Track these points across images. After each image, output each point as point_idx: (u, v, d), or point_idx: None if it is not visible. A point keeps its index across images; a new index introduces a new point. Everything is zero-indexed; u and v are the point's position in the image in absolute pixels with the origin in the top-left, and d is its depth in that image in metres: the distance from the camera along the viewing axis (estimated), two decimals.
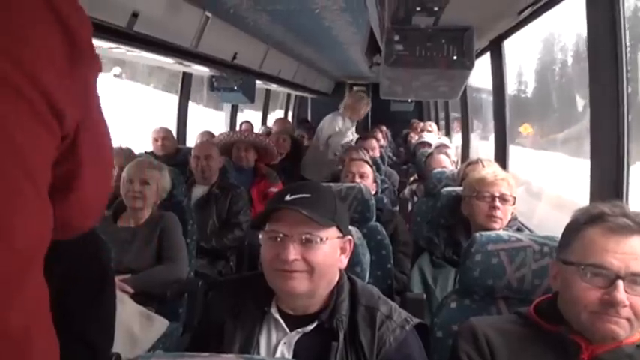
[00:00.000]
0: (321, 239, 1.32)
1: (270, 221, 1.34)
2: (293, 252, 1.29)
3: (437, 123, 8.33)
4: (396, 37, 2.10)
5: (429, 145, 5.29)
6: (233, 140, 4.27)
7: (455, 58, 2.10)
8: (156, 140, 4.76)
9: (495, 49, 3.48)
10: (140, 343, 2.30)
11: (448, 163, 3.96)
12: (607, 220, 1.22)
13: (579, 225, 1.26)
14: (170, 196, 2.91)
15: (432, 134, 6.65)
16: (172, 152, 4.77)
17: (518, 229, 2.43)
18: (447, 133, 7.36)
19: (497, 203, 2.22)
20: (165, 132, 4.83)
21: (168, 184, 2.83)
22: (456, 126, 7.40)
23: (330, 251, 1.34)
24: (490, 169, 2.43)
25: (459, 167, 3.58)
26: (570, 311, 1.25)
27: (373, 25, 2.66)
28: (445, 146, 4.49)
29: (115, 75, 10.56)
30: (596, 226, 1.23)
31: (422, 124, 8.06)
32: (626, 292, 1.16)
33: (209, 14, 3.70)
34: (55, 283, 1.58)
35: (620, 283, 1.17)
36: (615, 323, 1.18)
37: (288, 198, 1.32)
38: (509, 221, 2.29)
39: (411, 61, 2.11)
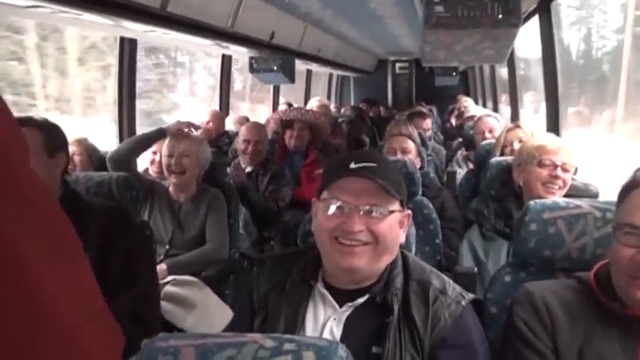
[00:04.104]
0: (388, 211, 1.23)
1: (331, 189, 1.25)
2: (359, 223, 1.21)
3: (483, 97, 8.04)
4: None
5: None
6: (291, 118, 4.20)
7: (500, 16, 1.96)
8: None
9: (544, 10, 3.27)
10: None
11: (497, 125, 3.75)
12: None
13: (628, 186, 1.16)
14: (213, 178, 2.89)
15: (477, 107, 6.42)
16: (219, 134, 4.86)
17: None
18: (495, 109, 7.08)
19: (559, 172, 2.09)
20: (213, 115, 4.96)
21: (208, 155, 2.80)
22: (504, 100, 7.11)
23: (394, 224, 1.26)
24: (549, 136, 2.29)
25: None
26: (613, 278, 1.15)
27: None
28: (492, 114, 4.30)
29: None
30: None
31: (463, 98, 7.79)
32: None
33: None
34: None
35: None
36: None
37: (353, 165, 1.23)
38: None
39: (452, 23, 1.98)
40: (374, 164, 1.23)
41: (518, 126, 2.88)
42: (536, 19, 3.47)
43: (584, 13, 5.15)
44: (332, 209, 1.23)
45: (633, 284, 1.09)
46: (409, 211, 1.34)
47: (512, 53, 4.76)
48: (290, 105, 7.08)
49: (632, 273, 1.09)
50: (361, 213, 1.22)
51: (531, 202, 1.52)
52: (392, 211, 1.24)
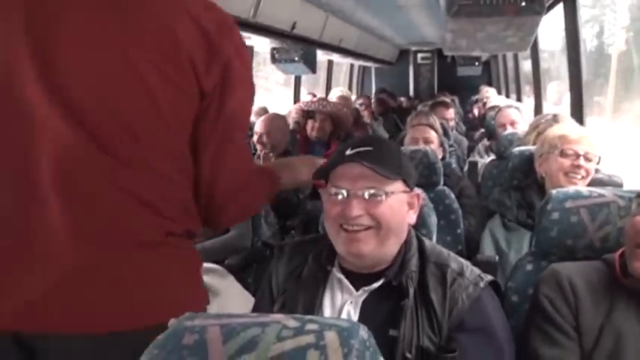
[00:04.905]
0: (387, 193, 1.24)
1: (331, 178, 1.28)
2: (357, 208, 1.22)
3: (507, 88, 7.94)
4: None
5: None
6: (312, 109, 4.20)
7: (523, 4, 1.93)
8: None
9: None
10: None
11: (519, 117, 3.70)
12: None
13: None
14: None
15: (500, 97, 6.34)
16: None
17: None
18: (519, 99, 6.98)
19: (582, 161, 2.06)
20: None
21: None
22: (527, 91, 7.01)
23: (397, 205, 1.26)
24: (571, 125, 2.26)
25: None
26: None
27: None
28: (513, 105, 4.24)
29: None
30: None
31: (485, 88, 7.70)
32: None
33: None
34: None
35: None
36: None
37: (349, 152, 1.25)
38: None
39: (475, 11, 1.97)
40: (369, 148, 1.25)
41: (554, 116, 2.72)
42: (560, 8, 3.42)
43: (597, 12, 5.45)
44: (333, 197, 1.26)
45: (634, 254, 1.09)
46: (418, 191, 1.34)
47: (536, 43, 4.69)
48: (314, 96, 7.08)
49: (635, 242, 1.10)
50: (365, 197, 1.23)
51: (553, 191, 1.51)
52: (391, 193, 1.24)
